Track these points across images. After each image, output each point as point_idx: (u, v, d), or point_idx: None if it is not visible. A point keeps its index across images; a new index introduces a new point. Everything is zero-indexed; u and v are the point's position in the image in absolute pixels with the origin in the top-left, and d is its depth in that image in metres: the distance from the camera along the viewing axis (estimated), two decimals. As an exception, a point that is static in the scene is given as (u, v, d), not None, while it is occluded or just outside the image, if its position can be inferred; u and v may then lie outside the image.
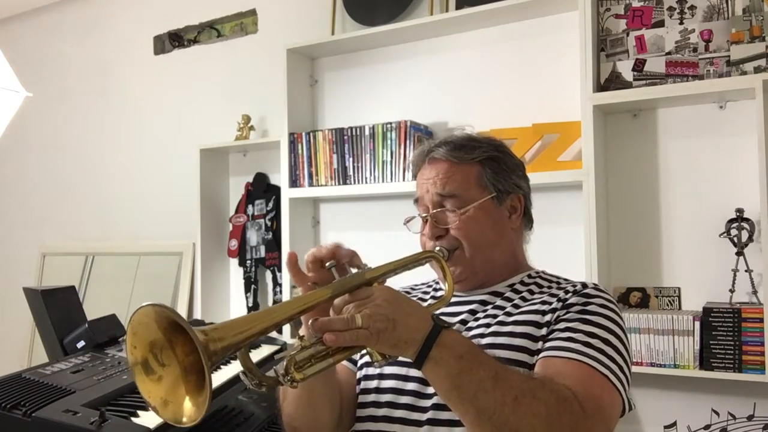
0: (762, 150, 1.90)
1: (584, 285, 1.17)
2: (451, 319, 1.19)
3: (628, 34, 2.23)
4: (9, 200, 4.04)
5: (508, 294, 1.20)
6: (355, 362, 1.26)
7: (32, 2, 3.85)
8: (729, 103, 2.09)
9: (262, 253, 2.97)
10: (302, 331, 1.02)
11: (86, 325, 1.78)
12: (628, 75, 2.23)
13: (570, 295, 1.13)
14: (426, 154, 1.26)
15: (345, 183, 2.59)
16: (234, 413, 1.57)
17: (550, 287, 1.20)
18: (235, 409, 1.59)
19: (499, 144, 1.29)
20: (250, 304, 2.99)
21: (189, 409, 0.83)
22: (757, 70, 2.03)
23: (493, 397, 0.93)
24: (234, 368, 1.69)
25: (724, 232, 2.04)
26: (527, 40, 2.42)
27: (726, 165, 2.10)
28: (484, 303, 1.21)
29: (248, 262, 3.00)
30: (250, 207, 3.02)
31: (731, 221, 2.03)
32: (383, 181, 2.50)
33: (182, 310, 3.13)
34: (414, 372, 1.11)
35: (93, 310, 1.96)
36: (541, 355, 1.07)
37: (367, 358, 1.20)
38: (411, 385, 1.14)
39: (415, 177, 1.29)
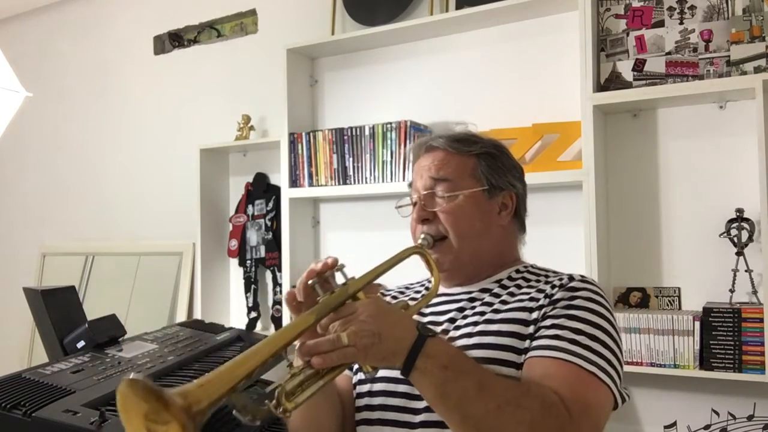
0: (762, 150, 1.90)
1: (571, 278, 1.17)
2: (440, 318, 1.19)
3: (628, 34, 2.23)
4: (9, 200, 4.04)
5: (496, 290, 1.20)
6: (351, 367, 1.26)
7: (32, 2, 3.85)
8: (729, 103, 2.09)
9: (262, 253, 2.97)
10: (291, 357, 1.02)
11: (86, 325, 1.77)
12: (628, 75, 2.23)
13: (556, 290, 1.13)
14: (425, 143, 1.27)
15: (345, 183, 2.59)
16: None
17: (538, 281, 1.20)
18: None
19: (499, 144, 1.29)
20: (250, 304, 2.99)
21: None
22: (757, 70, 2.03)
23: (476, 405, 0.94)
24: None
25: (724, 232, 2.04)
26: (527, 40, 2.42)
27: (726, 165, 2.10)
28: (472, 300, 1.20)
29: (248, 262, 3.01)
30: (250, 207, 3.02)
31: (731, 221, 2.03)
32: (383, 181, 2.50)
33: (182, 310, 3.14)
34: None
35: (93, 310, 1.95)
36: (528, 354, 1.07)
37: None
38: (402, 387, 1.14)
39: (412, 165, 1.30)
